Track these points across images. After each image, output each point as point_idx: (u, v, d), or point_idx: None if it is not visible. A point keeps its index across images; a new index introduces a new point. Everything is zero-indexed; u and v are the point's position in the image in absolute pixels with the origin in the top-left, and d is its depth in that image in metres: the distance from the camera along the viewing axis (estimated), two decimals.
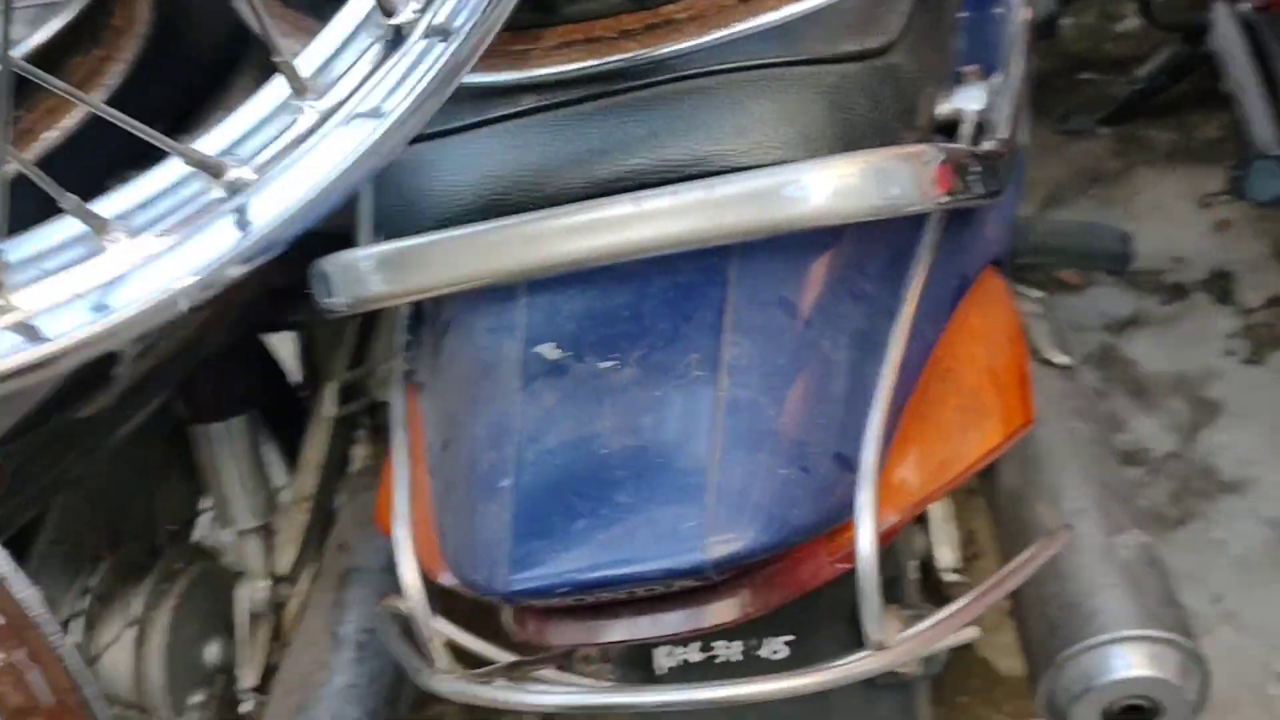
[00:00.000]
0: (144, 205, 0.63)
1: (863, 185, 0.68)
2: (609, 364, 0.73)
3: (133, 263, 0.61)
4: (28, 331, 0.61)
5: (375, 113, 0.62)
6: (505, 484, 0.71)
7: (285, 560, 1.39)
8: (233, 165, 0.61)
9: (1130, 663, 0.85)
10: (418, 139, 0.81)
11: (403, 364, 0.87)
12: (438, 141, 0.78)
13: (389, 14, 0.62)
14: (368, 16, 0.63)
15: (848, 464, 0.70)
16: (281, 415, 1.47)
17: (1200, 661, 0.85)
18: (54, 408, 0.97)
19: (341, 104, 0.62)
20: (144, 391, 1.12)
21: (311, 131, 0.62)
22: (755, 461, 0.68)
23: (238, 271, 0.61)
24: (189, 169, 0.62)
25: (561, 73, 0.77)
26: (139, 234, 0.62)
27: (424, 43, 0.62)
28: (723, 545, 0.67)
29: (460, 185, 0.77)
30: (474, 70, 0.66)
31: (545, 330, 0.76)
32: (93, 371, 1.00)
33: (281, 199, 0.61)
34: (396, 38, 0.63)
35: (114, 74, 0.94)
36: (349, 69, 0.63)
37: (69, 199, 0.59)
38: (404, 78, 0.63)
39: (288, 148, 0.62)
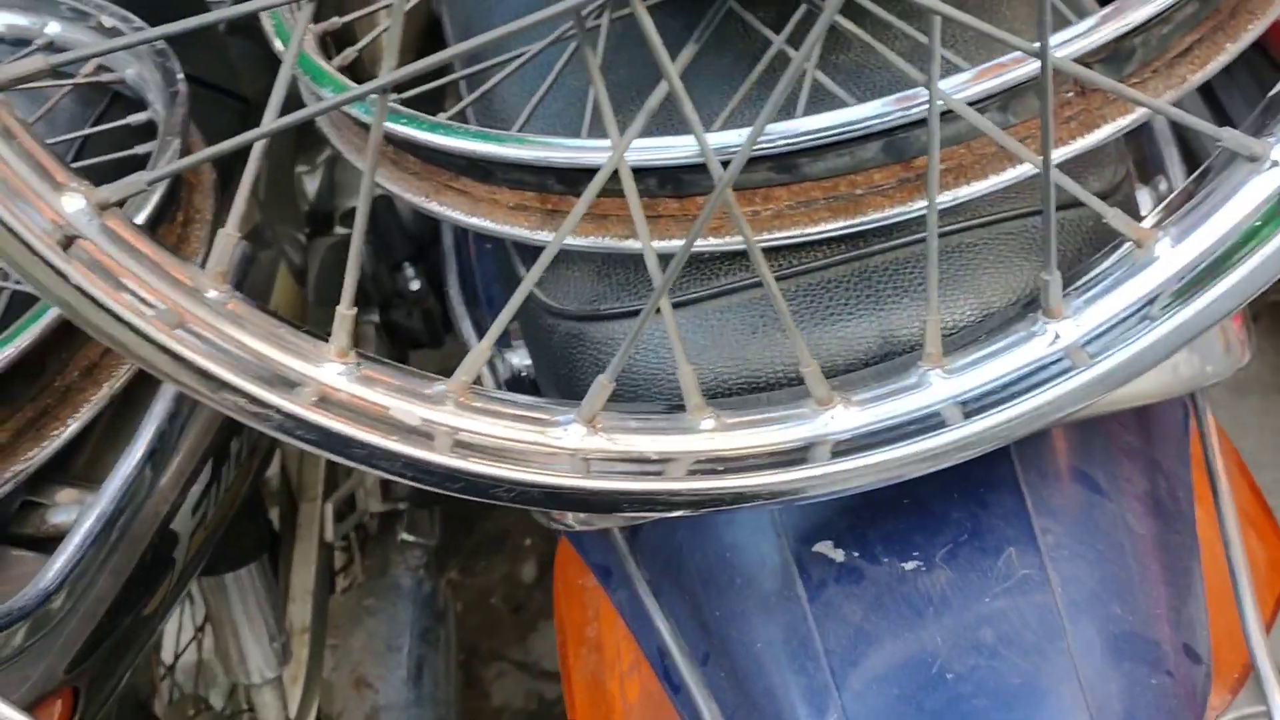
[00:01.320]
0: None
1: (1192, 361, 0.63)
2: (912, 565, 0.65)
3: None
4: None
5: None
6: (833, 718, 0.61)
7: (293, 701, 1.29)
8: None
9: None
10: (631, 313, 0.72)
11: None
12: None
13: None
14: None
15: (1195, 656, 0.64)
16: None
17: None
18: (121, 609, 0.87)
19: None
20: (191, 571, 1.02)
21: None
22: (1123, 673, 0.61)
23: None
24: None
25: (804, 235, 0.69)
26: None
27: None
28: None
29: (702, 369, 0.68)
30: (700, 235, 0.58)
31: (810, 525, 0.68)
32: (156, 557, 0.89)
33: None
34: None
35: (199, 239, 0.85)
36: None
37: None
38: None
39: None
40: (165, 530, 0.90)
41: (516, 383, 0.88)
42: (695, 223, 0.57)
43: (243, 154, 1.16)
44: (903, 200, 0.68)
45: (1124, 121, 0.66)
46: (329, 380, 0.54)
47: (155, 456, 0.86)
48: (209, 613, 1.28)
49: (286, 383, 0.54)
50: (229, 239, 0.52)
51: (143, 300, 0.50)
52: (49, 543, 0.82)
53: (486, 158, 0.67)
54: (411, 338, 1.68)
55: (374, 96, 0.48)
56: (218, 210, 0.90)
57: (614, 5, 0.70)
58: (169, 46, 0.97)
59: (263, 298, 1.14)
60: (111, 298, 0.48)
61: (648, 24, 0.49)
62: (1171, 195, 0.60)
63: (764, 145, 0.63)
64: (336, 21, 0.54)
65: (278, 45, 0.76)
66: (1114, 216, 0.58)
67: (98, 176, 0.51)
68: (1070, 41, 0.62)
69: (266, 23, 0.79)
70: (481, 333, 1.01)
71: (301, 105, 0.69)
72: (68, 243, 0.48)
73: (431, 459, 0.54)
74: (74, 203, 0.49)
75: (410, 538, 1.59)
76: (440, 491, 0.55)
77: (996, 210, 0.71)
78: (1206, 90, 1.73)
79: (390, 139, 0.71)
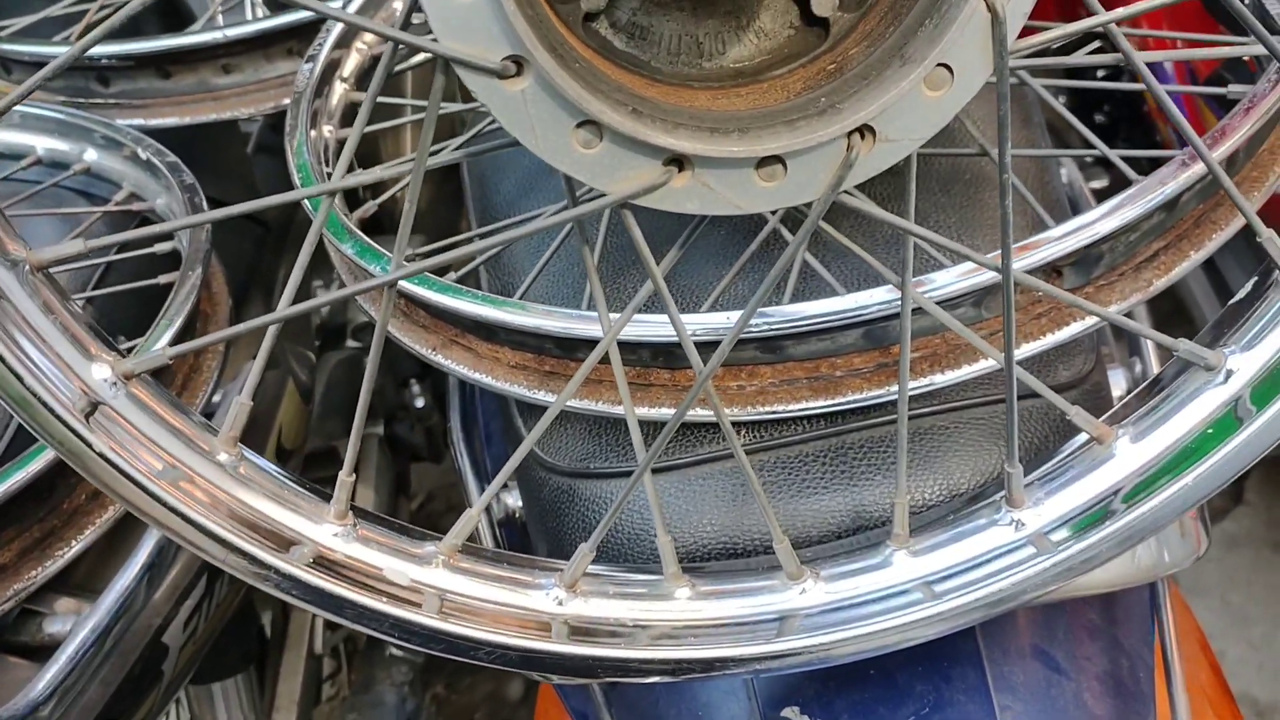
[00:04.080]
0: None
1: (1151, 550, 0.66)
2: None
3: None
4: None
5: None
6: None
7: None
8: None
9: None
10: (620, 474, 0.76)
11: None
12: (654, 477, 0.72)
13: None
14: None
15: None
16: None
17: None
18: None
19: None
20: (178, 683, 1.03)
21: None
22: None
23: None
24: None
25: (786, 411, 0.72)
26: None
27: None
28: None
29: (683, 534, 0.71)
30: (691, 406, 0.62)
31: (781, 689, 0.70)
32: (146, 669, 0.91)
33: None
34: None
35: (210, 369, 0.89)
36: None
37: None
38: None
39: None
40: (156, 643, 0.91)
41: (509, 523, 0.91)
42: (682, 402, 0.61)
43: (259, 276, 1.20)
44: (879, 384, 0.72)
45: (1091, 321, 0.70)
46: (326, 541, 0.57)
47: (153, 571, 0.88)
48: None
49: (287, 541, 0.57)
50: (243, 408, 0.56)
51: (157, 464, 0.53)
52: (43, 651, 0.84)
53: (489, 322, 0.72)
54: (413, 451, 1.71)
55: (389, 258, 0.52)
56: (230, 348, 0.94)
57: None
58: (195, 178, 1.02)
59: (268, 417, 1.17)
60: (128, 463, 0.52)
61: (635, 231, 0.53)
62: (1128, 396, 0.64)
63: (751, 330, 0.67)
64: (362, 179, 0.58)
65: (305, 205, 0.81)
66: (1075, 414, 0.61)
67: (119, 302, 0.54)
68: (1037, 251, 0.66)
69: (294, 173, 0.84)
70: (478, 471, 1.05)
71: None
72: (92, 410, 0.52)
73: (417, 620, 0.57)
74: (101, 372, 0.53)
75: (398, 653, 1.60)
76: (424, 651, 0.58)
77: (967, 396, 0.75)
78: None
79: (402, 293, 0.75)
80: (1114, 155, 0.81)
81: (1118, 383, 0.89)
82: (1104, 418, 0.63)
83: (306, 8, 0.47)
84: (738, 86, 0.55)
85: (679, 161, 0.50)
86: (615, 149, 0.49)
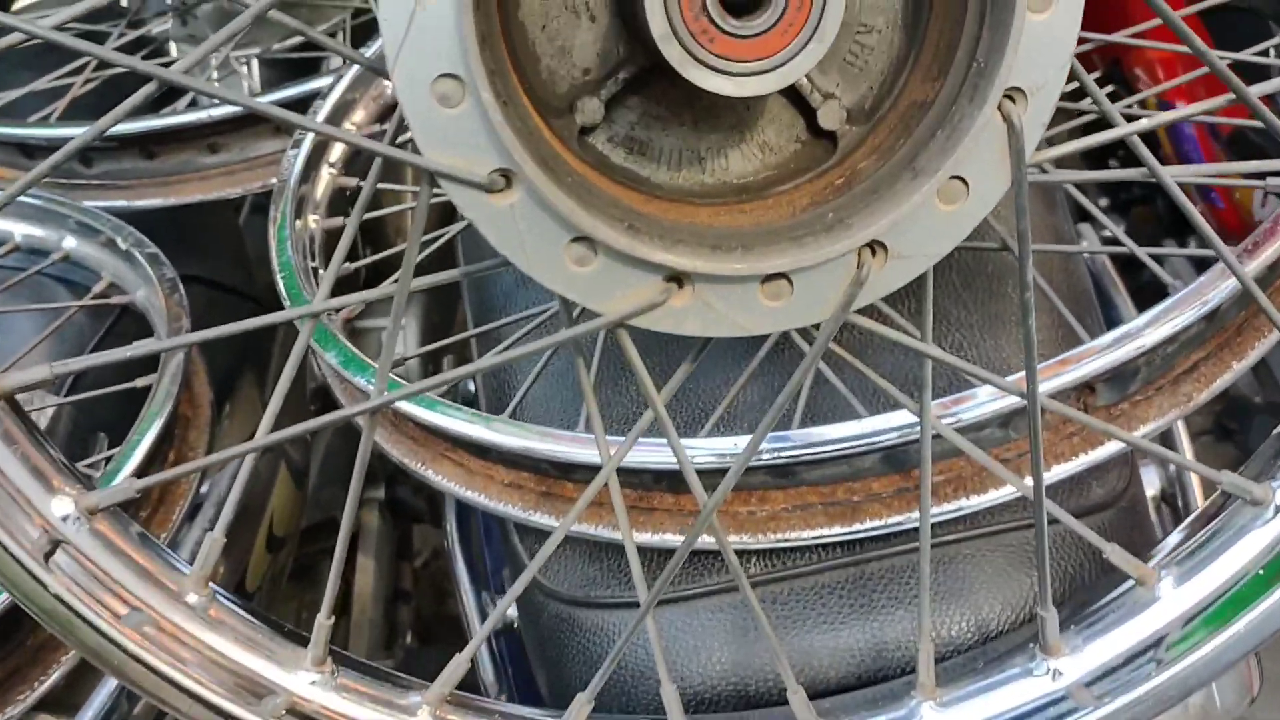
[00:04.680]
0: None
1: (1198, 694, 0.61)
2: None
3: None
4: None
5: None
6: None
7: None
8: None
9: None
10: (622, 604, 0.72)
11: None
12: (658, 610, 0.68)
13: None
14: None
15: None
16: None
17: None
18: None
19: None
20: None
21: None
22: None
23: None
24: None
25: (800, 539, 0.68)
26: None
27: None
28: None
29: (690, 673, 0.67)
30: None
31: None
32: None
33: None
34: None
35: (188, 482, 0.86)
36: None
37: None
38: None
39: None
40: None
41: (507, 632, 0.87)
42: (687, 533, 0.57)
43: (250, 353, 1.16)
44: (901, 509, 0.68)
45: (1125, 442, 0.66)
46: (302, 690, 0.53)
47: None
48: None
49: (260, 690, 0.53)
50: (215, 544, 0.52)
51: (120, 607, 0.49)
52: None
53: (480, 443, 0.68)
54: (414, 514, 1.65)
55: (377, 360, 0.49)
56: (211, 446, 0.90)
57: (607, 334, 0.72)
58: (183, 255, 0.98)
59: (259, 506, 1.11)
60: (87, 607, 0.48)
61: (632, 354, 0.50)
62: (1172, 534, 0.60)
63: (760, 458, 0.63)
64: (347, 301, 0.55)
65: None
66: (1114, 552, 0.57)
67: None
68: (1069, 371, 0.62)
69: (276, 275, 0.82)
70: (473, 573, 1.00)
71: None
72: (52, 549, 0.49)
73: None
74: (64, 507, 0.50)
75: None
76: None
77: (995, 521, 0.71)
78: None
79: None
80: (1145, 255, 0.78)
81: (1151, 482, 0.85)
82: (1148, 560, 0.58)
83: (285, 121, 0.45)
84: (741, 202, 0.52)
85: (679, 279, 0.47)
86: (611, 267, 0.46)
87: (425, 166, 0.44)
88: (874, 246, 0.47)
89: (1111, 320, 0.97)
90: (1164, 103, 1.44)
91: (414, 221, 0.47)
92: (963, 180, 0.47)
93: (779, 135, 0.53)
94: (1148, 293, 0.98)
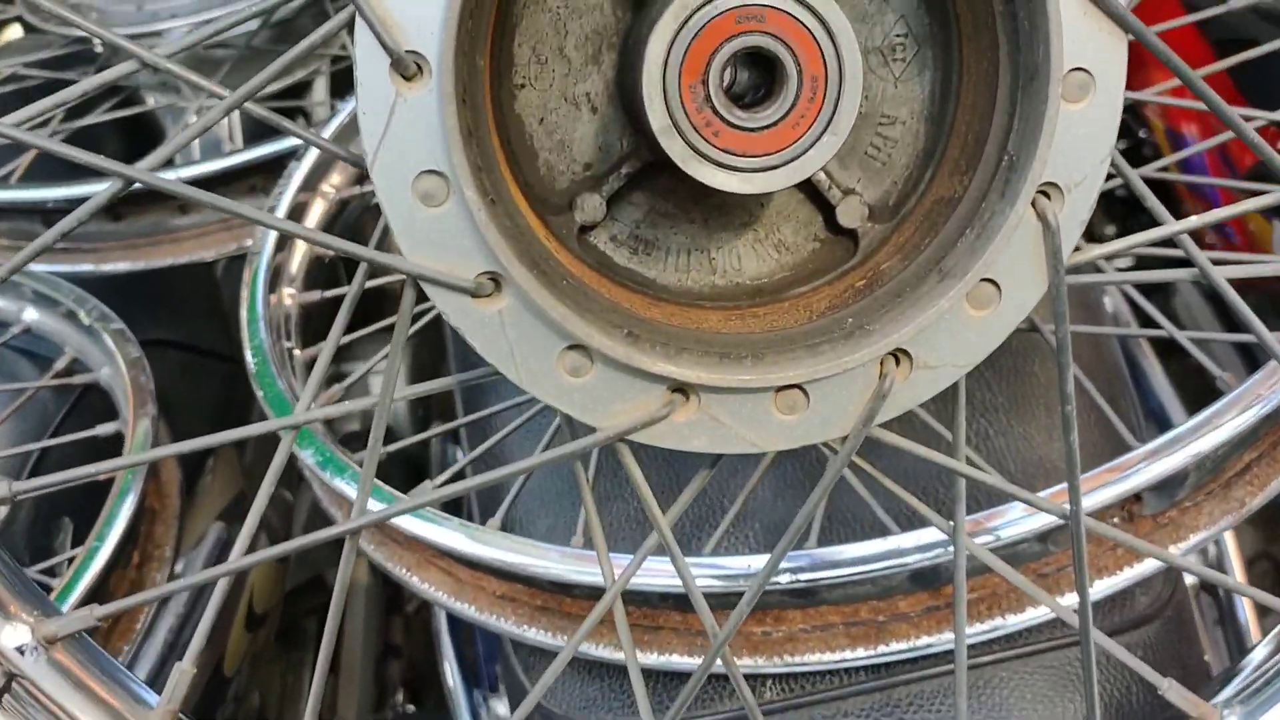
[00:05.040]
0: None
1: None
2: None
3: None
4: None
5: None
6: None
7: None
8: None
9: None
10: None
11: None
12: None
13: None
14: None
15: None
16: None
17: None
18: None
19: None
20: None
21: None
22: None
23: None
24: None
25: (820, 663, 0.63)
26: None
27: None
28: None
29: None
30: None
31: None
32: None
33: None
34: None
35: (154, 583, 0.83)
36: None
37: None
38: None
39: None
40: None
41: None
42: (695, 669, 0.52)
43: (228, 420, 1.11)
44: (930, 630, 0.63)
45: (1175, 552, 0.61)
46: None
47: None
48: None
49: None
50: (184, 675, 0.48)
51: None
52: None
53: (468, 557, 0.64)
54: None
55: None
56: (179, 542, 0.85)
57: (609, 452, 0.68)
58: (153, 317, 0.94)
59: (237, 584, 1.04)
60: None
61: (635, 472, 0.45)
62: (1234, 666, 0.54)
63: (777, 582, 0.59)
64: (329, 412, 0.51)
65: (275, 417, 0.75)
66: (1170, 689, 0.51)
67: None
68: (1115, 483, 0.58)
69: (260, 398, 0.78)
70: (464, 668, 0.94)
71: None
72: (6, 684, 0.45)
73: None
74: (19, 636, 0.46)
75: None
76: None
77: (1034, 640, 0.66)
78: None
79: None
80: (1187, 342, 0.74)
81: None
82: (1210, 698, 0.53)
83: (260, 223, 0.41)
84: (755, 306, 0.48)
85: (684, 391, 0.43)
86: (608, 377, 0.42)
87: (406, 270, 0.40)
88: (897, 355, 0.43)
89: (1140, 387, 0.91)
90: (1171, 130, 1.40)
91: (397, 329, 0.43)
92: (994, 283, 0.43)
93: (795, 233, 0.49)
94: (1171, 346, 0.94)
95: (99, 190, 1.01)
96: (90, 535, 0.76)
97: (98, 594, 0.73)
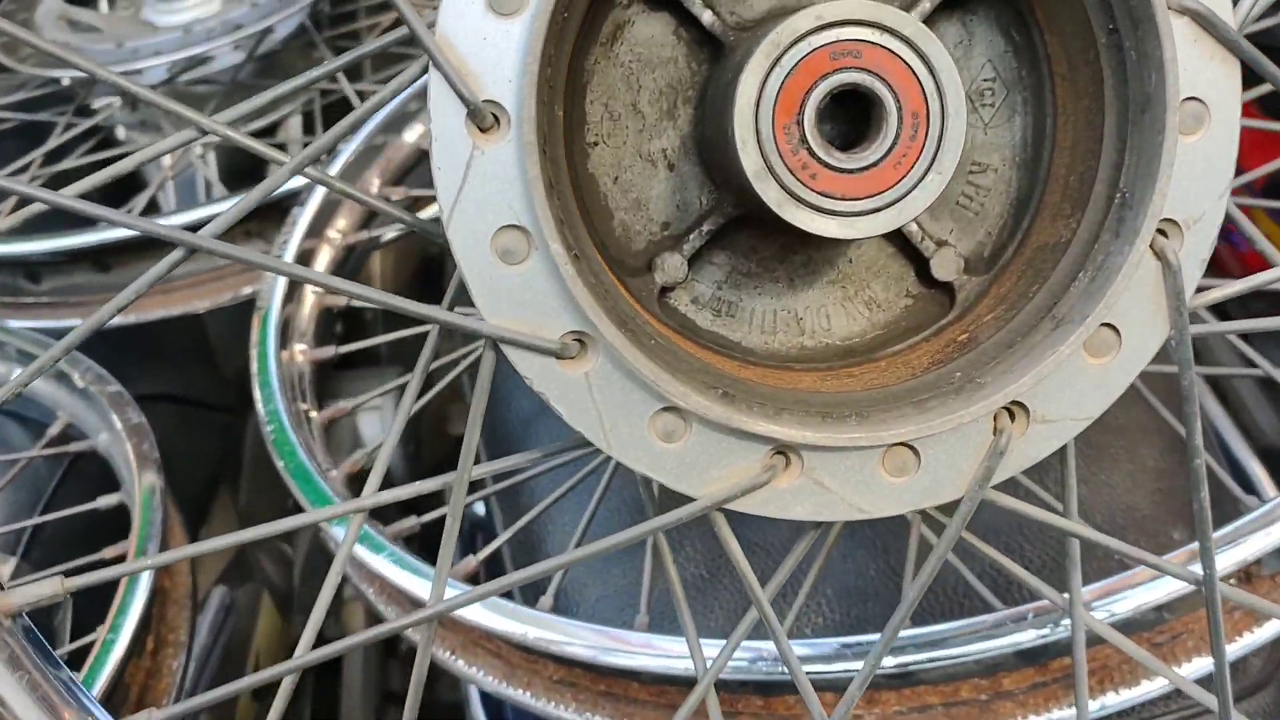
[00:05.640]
0: None
1: None
2: None
3: None
4: None
5: None
6: None
7: None
8: None
9: None
10: None
11: None
12: None
13: None
14: None
15: None
16: None
17: None
18: None
19: None
20: None
21: None
22: None
23: None
24: None
25: None
26: None
27: None
28: None
29: None
30: None
31: None
32: None
33: None
34: None
35: (171, 670, 0.77)
36: None
37: None
38: None
39: None
40: None
41: None
42: None
43: (225, 470, 1.03)
44: (1038, 708, 0.58)
45: None
46: None
47: None
48: None
49: None
50: None
51: None
52: None
53: (527, 645, 0.61)
54: None
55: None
56: (193, 622, 0.79)
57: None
58: (144, 372, 0.89)
59: (241, 650, 0.98)
60: None
61: (732, 544, 0.42)
62: None
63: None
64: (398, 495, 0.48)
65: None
66: None
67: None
68: (1236, 545, 0.54)
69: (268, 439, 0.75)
70: None
71: None
72: None
73: None
74: None
75: None
76: None
77: (1149, 712, 0.62)
78: None
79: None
80: None
81: None
82: None
83: (314, 282, 0.39)
84: (848, 366, 0.45)
85: (785, 454, 0.39)
86: (705, 441, 0.39)
87: (487, 334, 0.38)
88: (1012, 410, 0.40)
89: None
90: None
91: (474, 400, 0.40)
92: (1114, 329, 0.40)
93: (886, 289, 0.46)
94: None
95: (85, 241, 0.91)
96: (104, 626, 0.71)
97: (114, 687, 0.69)
